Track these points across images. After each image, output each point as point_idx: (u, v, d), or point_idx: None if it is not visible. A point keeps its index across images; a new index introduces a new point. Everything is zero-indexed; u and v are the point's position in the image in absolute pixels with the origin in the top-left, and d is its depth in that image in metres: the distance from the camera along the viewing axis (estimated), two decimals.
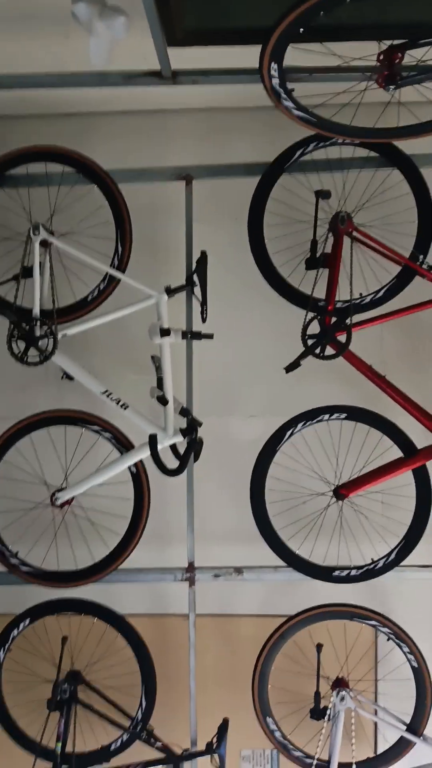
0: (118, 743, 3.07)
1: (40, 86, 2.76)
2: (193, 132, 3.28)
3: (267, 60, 2.31)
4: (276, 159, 2.93)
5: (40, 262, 2.74)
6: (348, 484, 2.91)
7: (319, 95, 2.48)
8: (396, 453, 2.91)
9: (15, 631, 3.09)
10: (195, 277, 2.80)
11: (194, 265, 2.84)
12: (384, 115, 2.68)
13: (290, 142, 2.91)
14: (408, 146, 2.87)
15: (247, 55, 2.41)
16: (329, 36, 2.40)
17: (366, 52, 2.38)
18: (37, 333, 2.74)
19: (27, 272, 2.76)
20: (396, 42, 2.38)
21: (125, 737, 3.05)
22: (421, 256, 2.90)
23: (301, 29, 2.20)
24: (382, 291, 2.98)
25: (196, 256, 2.84)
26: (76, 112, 3.28)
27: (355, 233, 2.83)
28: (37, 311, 2.75)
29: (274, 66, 2.33)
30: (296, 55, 2.34)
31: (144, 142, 3.27)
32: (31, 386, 3.29)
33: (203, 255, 2.79)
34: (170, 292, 2.78)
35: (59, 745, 2.88)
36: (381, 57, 2.39)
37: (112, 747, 3.07)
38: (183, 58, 2.66)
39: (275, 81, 2.38)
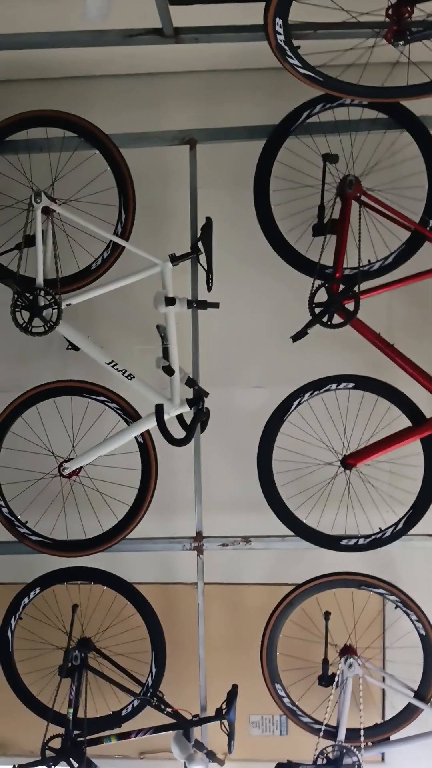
0: (129, 709, 3.13)
1: (35, 46, 2.69)
2: (196, 95, 3.20)
3: (272, 15, 2.23)
4: (282, 121, 2.85)
5: (42, 230, 2.71)
6: (356, 454, 2.90)
7: (326, 52, 2.40)
8: (404, 422, 2.88)
9: (26, 600, 3.13)
10: (200, 245, 2.76)
11: (199, 232, 2.79)
12: (393, 74, 2.60)
13: (296, 103, 2.83)
14: (418, 107, 2.78)
15: (251, 13, 2.34)
16: None
17: (374, 6, 2.29)
18: (41, 303, 2.71)
19: (29, 241, 2.72)
20: None
21: (136, 703, 3.10)
22: (431, 221, 2.83)
23: None
24: (391, 257, 2.92)
25: (200, 222, 2.79)
26: (76, 76, 3.21)
27: (363, 198, 2.76)
28: (40, 280, 2.72)
29: (278, 22, 2.25)
30: (302, 11, 2.26)
31: (146, 106, 3.20)
32: (35, 357, 3.28)
33: (208, 221, 2.74)
34: (175, 260, 2.74)
35: (71, 710, 2.93)
36: (389, 11, 2.30)
37: (123, 713, 3.13)
38: (185, 16, 2.58)
39: (280, 38, 2.30)
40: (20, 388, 2.99)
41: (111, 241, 2.88)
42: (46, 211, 2.74)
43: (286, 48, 2.35)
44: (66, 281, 2.89)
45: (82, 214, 2.79)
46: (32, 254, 2.72)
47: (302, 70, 2.43)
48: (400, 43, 2.31)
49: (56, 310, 2.72)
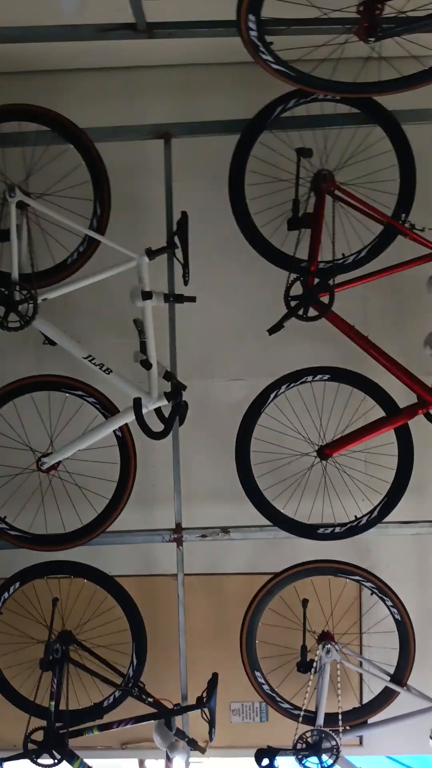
0: (111, 700, 3.15)
1: (9, 40, 2.69)
2: (171, 89, 3.18)
3: (244, 11, 2.24)
4: (256, 116, 2.87)
5: (17, 225, 2.69)
6: (332, 444, 2.94)
7: (299, 48, 2.42)
8: (378, 412, 2.94)
9: (5, 594, 3.14)
10: (176, 239, 2.76)
11: (175, 227, 2.79)
12: (365, 71, 2.63)
13: (272, 98, 2.85)
14: (390, 102, 2.82)
15: (226, 8, 2.34)
16: None
17: (345, 3, 2.32)
18: (17, 297, 2.70)
19: (4, 235, 2.71)
20: None
21: (117, 694, 3.13)
22: (404, 215, 2.88)
23: None
24: (365, 251, 2.97)
25: (176, 216, 2.80)
26: (49, 69, 3.17)
27: (337, 192, 2.79)
28: (15, 275, 2.70)
29: (251, 17, 2.27)
30: (274, 7, 2.27)
31: (120, 100, 3.18)
32: (11, 352, 3.27)
33: (184, 216, 2.74)
34: (151, 254, 2.74)
35: (53, 703, 2.94)
36: (361, 8, 2.33)
37: (105, 704, 3.16)
38: (159, 10, 2.58)
39: (253, 33, 2.32)
40: None
41: (87, 235, 2.88)
42: (21, 205, 2.72)
43: (259, 44, 2.37)
44: (42, 276, 2.89)
45: (57, 209, 2.78)
46: (7, 249, 2.71)
47: (275, 66, 2.45)
48: (371, 39, 2.34)
49: (32, 304, 2.71)
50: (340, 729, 2.99)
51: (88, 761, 2.98)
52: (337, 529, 3.01)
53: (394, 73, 2.57)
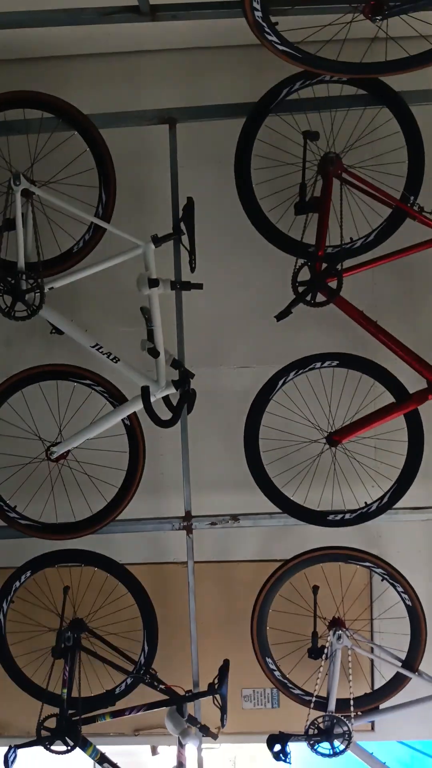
0: (123, 687, 3.17)
1: (11, 26, 2.66)
2: (175, 73, 3.16)
3: None
4: (261, 99, 2.83)
5: (22, 213, 2.67)
6: (341, 431, 2.92)
7: (305, 29, 2.39)
8: (388, 398, 2.91)
9: (17, 583, 3.15)
10: (182, 225, 2.74)
11: (181, 213, 2.77)
12: (372, 51, 2.59)
13: (278, 80, 2.81)
14: (397, 82, 2.77)
15: None
16: None
17: None
18: (23, 287, 2.69)
19: (9, 224, 2.69)
20: None
21: (129, 681, 3.15)
22: (412, 197, 2.84)
23: None
24: (373, 234, 2.94)
25: (182, 202, 2.77)
26: (52, 56, 3.15)
27: (344, 175, 2.76)
28: (22, 264, 2.69)
29: None
30: None
31: (124, 85, 3.16)
32: (18, 342, 3.27)
33: (190, 202, 2.72)
34: (157, 241, 2.72)
35: (65, 690, 2.96)
36: None
37: (117, 691, 3.17)
38: None
39: (258, 14, 2.29)
40: (4, 374, 2.98)
41: (92, 223, 2.86)
42: (26, 193, 2.70)
43: (264, 24, 2.33)
44: (48, 264, 2.87)
45: (63, 196, 2.76)
46: (13, 238, 2.69)
47: (280, 47, 2.41)
48: (378, 17, 2.30)
49: (39, 294, 2.70)
50: (352, 714, 2.99)
51: (100, 748, 3.00)
52: (347, 516, 3.00)
53: (401, 53, 2.52)
